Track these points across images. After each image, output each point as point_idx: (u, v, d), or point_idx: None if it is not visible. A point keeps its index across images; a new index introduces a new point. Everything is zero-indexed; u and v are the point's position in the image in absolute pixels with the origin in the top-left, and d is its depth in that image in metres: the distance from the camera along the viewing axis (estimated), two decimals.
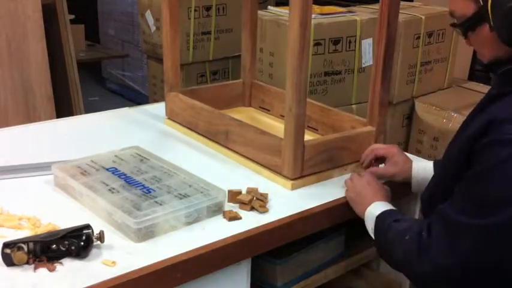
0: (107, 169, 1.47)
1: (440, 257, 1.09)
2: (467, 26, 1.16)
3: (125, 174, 1.44)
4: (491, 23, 1.10)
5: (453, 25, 1.22)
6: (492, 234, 1.04)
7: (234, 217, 1.33)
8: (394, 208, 1.33)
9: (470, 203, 1.08)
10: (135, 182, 1.40)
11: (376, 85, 1.60)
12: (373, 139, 1.63)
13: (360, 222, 1.38)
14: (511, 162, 1.03)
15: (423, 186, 1.45)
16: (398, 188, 1.56)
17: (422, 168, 1.50)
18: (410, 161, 1.53)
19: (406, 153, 1.59)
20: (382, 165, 1.57)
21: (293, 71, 1.40)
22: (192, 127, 1.82)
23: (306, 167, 1.51)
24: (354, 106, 2.77)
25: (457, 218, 1.08)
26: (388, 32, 1.54)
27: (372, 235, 1.32)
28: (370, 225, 1.33)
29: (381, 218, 1.30)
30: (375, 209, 1.33)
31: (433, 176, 1.38)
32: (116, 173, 1.45)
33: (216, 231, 1.28)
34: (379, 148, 1.56)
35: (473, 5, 1.13)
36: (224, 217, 1.34)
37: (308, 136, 1.69)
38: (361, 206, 1.38)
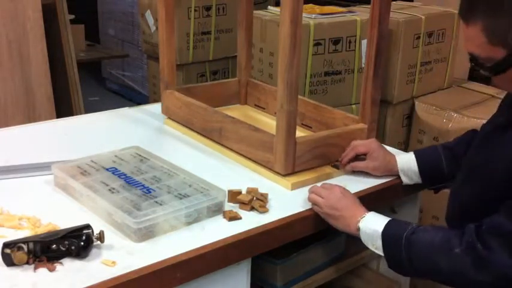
0: (107, 169, 1.47)
1: (504, 267, 1.12)
2: (498, 69, 1.15)
3: (124, 174, 1.44)
4: None
5: (478, 65, 1.18)
6: None
7: (234, 217, 1.33)
8: (388, 218, 1.31)
9: None
10: (135, 182, 1.40)
11: (367, 83, 1.62)
12: (364, 136, 1.65)
13: None
14: None
15: (410, 177, 1.54)
16: (398, 188, 1.57)
17: (407, 160, 1.54)
18: (391, 155, 1.58)
19: (385, 145, 1.63)
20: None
21: (284, 68, 1.41)
22: (187, 124, 1.83)
23: (297, 163, 1.52)
24: (353, 106, 2.77)
25: None
26: (379, 31, 1.55)
27: (379, 252, 1.29)
28: (372, 242, 1.29)
29: (390, 235, 1.27)
30: (371, 223, 1.30)
31: (461, 187, 1.35)
32: (116, 173, 1.45)
33: (216, 231, 1.28)
34: (360, 145, 1.59)
35: (502, 50, 1.12)
36: (224, 217, 1.34)
37: (302, 133, 1.70)
38: (343, 220, 1.34)
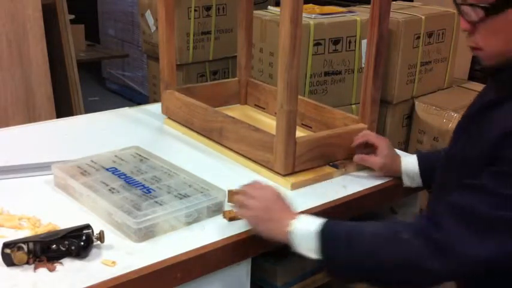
0: (107, 169, 1.47)
1: (470, 250, 1.00)
2: (492, 10, 1.03)
3: (124, 174, 1.44)
4: None
5: (469, 5, 1.06)
6: None
7: (234, 217, 1.33)
8: (326, 219, 1.18)
9: (496, 197, 1.00)
10: (135, 182, 1.40)
11: (367, 83, 1.62)
12: None
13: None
14: None
15: (412, 179, 1.50)
16: (398, 189, 1.57)
17: (411, 163, 1.52)
18: (398, 157, 1.55)
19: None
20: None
21: (284, 68, 1.41)
22: (187, 124, 1.83)
23: (297, 163, 1.52)
24: (353, 106, 2.78)
25: (482, 209, 1.00)
26: (379, 31, 1.55)
27: (313, 254, 1.14)
28: (306, 244, 1.15)
29: (327, 232, 1.12)
30: (305, 225, 1.16)
31: (441, 178, 1.29)
32: (116, 173, 1.45)
33: (216, 231, 1.28)
34: (371, 135, 1.57)
35: None
36: (224, 217, 1.34)
37: (302, 133, 1.70)
38: (273, 223, 1.19)
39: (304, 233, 1.15)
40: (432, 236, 1.02)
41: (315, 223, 1.15)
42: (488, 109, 1.14)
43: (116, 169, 1.47)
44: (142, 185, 1.39)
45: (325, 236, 1.12)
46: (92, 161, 1.50)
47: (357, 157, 1.58)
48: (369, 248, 1.08)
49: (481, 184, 1.03)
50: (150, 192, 1.35)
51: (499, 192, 1.00)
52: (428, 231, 1.03)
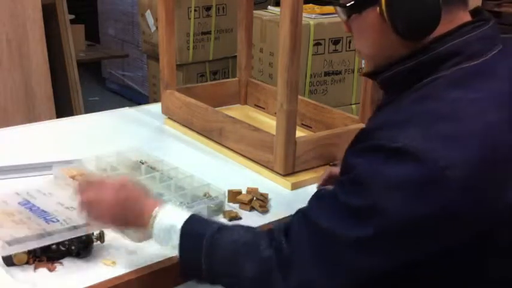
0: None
1: (305, 269, 0.90)
2: (351, 8, 0.96)
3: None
4: (384, 6, 0.90)
5: (336, 4, 0.99)
6: (367, 246, 0.87)
7: (234, 217, 1.33)
8: (192, 213, 1.07)
9: (340, 211, 0.89)
10: None
11: (367, 83, 1.63)
12: None
13: None
14: (379, 170, 0.85)
15: None
16: None
17: None
18: None
19: None
20: None
21: (284, 68, 1.42)
22: (187, 124, 1.83)
23: (297, 163, 1.52)
24: (353, 106, 2.78)
25: (326, 225, 0.89)
26: None
27: (174, 250, 1.05)
28: (166, 238, 1.05)
29: (191, 230, 1.03)
30: (169, 217, 1.05)
31: None
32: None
33: None
34: (333, 168, 1.44)
35: None
36: (224, 217, 1.34)
37: (302, 133, 1.70)
38: (128, 212, 1.06)
39: (162, 226, 1.04)
40: (281, 250, 0.93)
41: (181, 216, 1.05)
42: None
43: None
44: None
45: (186, 235, 1.03)
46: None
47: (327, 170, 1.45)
48: (228, 259, 0.99)
49: (332, 193, 0.93)
50: None
51: (344, 201, 0.89)
52: (279, 242, 0.94)
